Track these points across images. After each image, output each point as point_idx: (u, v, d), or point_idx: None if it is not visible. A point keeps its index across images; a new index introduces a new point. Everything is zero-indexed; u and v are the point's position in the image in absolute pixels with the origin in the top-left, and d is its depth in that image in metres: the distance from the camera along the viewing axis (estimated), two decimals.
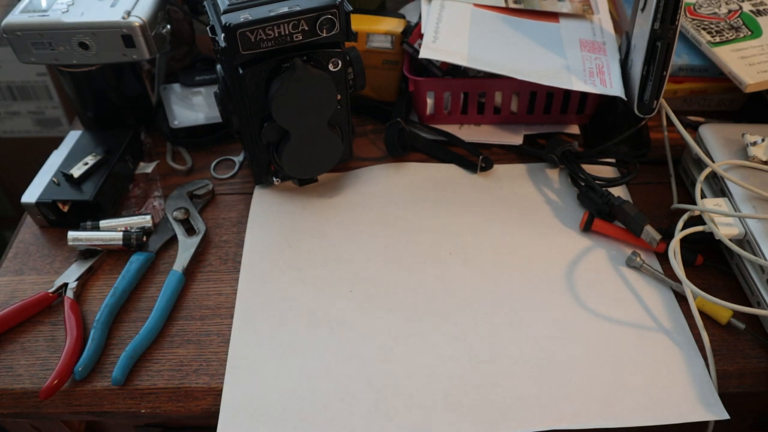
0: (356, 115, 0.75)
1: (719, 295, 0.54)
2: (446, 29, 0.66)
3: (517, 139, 0.69)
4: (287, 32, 0.53)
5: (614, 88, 0.62)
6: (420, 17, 0.69)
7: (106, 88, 0.68)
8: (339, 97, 0.59)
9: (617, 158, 0.65)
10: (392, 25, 0.69)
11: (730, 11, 0.70)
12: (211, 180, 0.68)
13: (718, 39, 0.66)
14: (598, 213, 0.60)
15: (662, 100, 0.60)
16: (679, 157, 0.66)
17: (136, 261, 0.58)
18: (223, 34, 0.52)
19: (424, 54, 0.63)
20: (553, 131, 0.70)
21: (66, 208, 0.62)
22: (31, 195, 0.61)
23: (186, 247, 0.60)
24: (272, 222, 0.62)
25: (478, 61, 0.62)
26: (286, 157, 0.59)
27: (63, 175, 0.62)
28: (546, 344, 0.51)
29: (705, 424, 0.49)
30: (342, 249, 0.59)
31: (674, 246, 0.53)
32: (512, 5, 0.70)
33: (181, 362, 0.52)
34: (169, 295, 0.55)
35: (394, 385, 0.49)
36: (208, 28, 0.56)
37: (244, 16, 0.52)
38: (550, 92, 0.67)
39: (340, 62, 0.57)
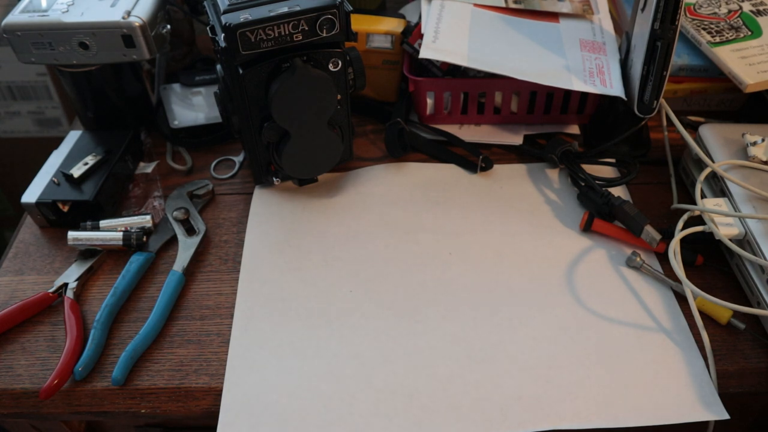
0: (356, 115, 0.75)
1: (719, 295, 0.54)
2: (446, 29, 0.66)
3: (517, 139, 0.69)
4: (287, 32, 0.53)
5: (614, 88, 0.62)
6: (420, 17, 0.69)
7: (106, 88, 0.68)
8: (339, 97, 0.59)
9: (617, 158, 0.65)
10: (392, 25, 0.69)
11: (730, 11, 0.70)
12: (211, 180, 0.68)
13: (718, 39, 0.66)
14: (598, 213, 0.60)
15: (662, 100, 0.60)
16: (679, 157, 0.66)
17: (136, 261, 0.58)
18: (223, 34, 0.52)
19: (424, 54, 0.63)
20: (553, 131, 0.70)
21: (66, 208, 0.62)
22: (31, 195, 0.61)
23: (186, 247, 0.60)
24: (272, 222, 0.62)
25: (478, 61, 0.62)
26: (286, 157, 0.59)
27: (63, 175, 0.62)
28: (546, 344, 0.51)
29: (705, 424, 0.49)
30: (342, 249, 0.59)
31: (674, 246, 0.53)
32: (512, 5, 0.70)
33: (181, 362, 0.52)
34: (169, 295, 0.55)
35: (394, 385, 0.49)
36: (208, 28, 0.57)
37: (244, 16, 0.52)
38: (550, 92, 0.67)
39: (340, 62, 0.57)
